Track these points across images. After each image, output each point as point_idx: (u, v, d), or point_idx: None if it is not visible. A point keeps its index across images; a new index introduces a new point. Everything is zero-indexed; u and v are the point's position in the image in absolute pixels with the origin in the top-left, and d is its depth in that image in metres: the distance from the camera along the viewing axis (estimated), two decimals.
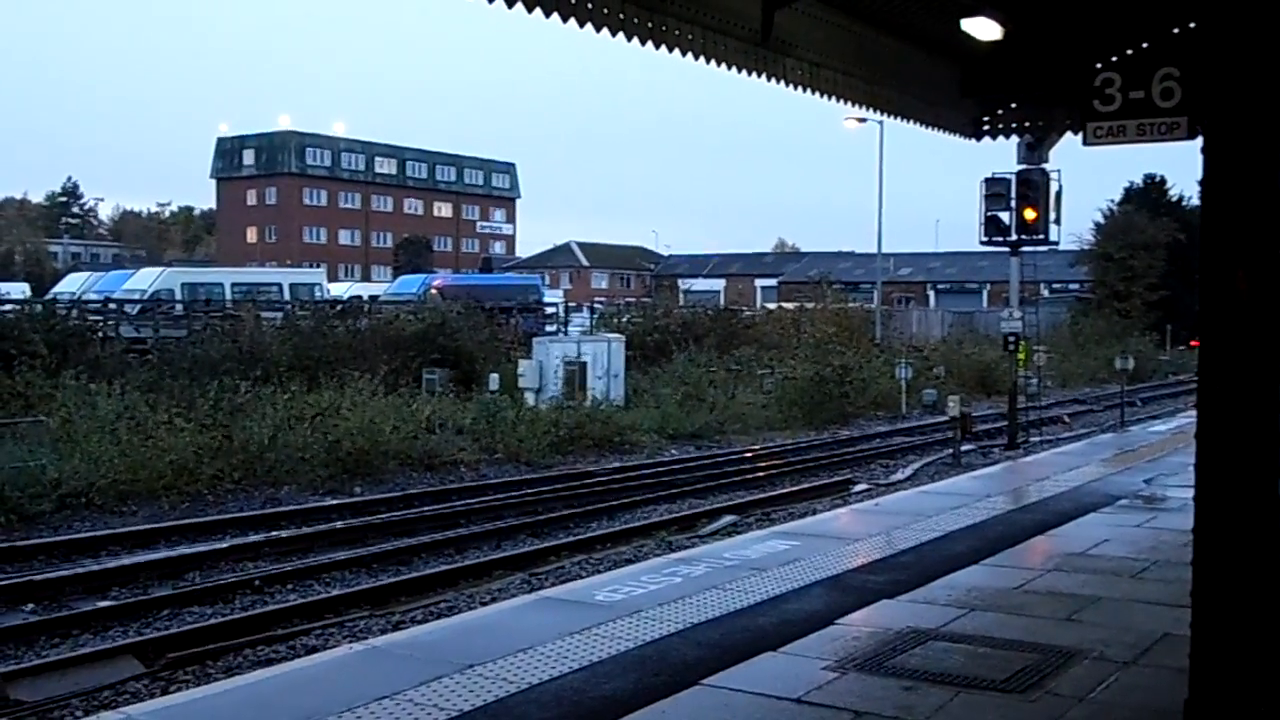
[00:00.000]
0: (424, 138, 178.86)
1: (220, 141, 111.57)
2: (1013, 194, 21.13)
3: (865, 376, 32.01)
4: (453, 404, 24.59)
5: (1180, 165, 68.88)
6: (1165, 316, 55.21)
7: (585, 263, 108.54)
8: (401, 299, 42.55)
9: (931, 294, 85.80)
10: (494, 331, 34.04)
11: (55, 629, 10.51)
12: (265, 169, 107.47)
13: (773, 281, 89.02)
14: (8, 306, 28.37)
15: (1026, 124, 12.89)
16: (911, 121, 12.30)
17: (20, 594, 11.59)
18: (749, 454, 23.00)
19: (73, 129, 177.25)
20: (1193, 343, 33.45)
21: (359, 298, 45.30)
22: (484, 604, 10.39)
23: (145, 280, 41.30)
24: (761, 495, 17.98)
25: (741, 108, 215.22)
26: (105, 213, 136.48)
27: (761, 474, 20.46)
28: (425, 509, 16.54)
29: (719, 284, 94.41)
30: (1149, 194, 64.70)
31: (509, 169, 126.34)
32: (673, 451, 23.48)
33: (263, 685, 6.75)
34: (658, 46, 8.61)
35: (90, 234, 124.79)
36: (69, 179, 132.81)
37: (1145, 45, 9.61)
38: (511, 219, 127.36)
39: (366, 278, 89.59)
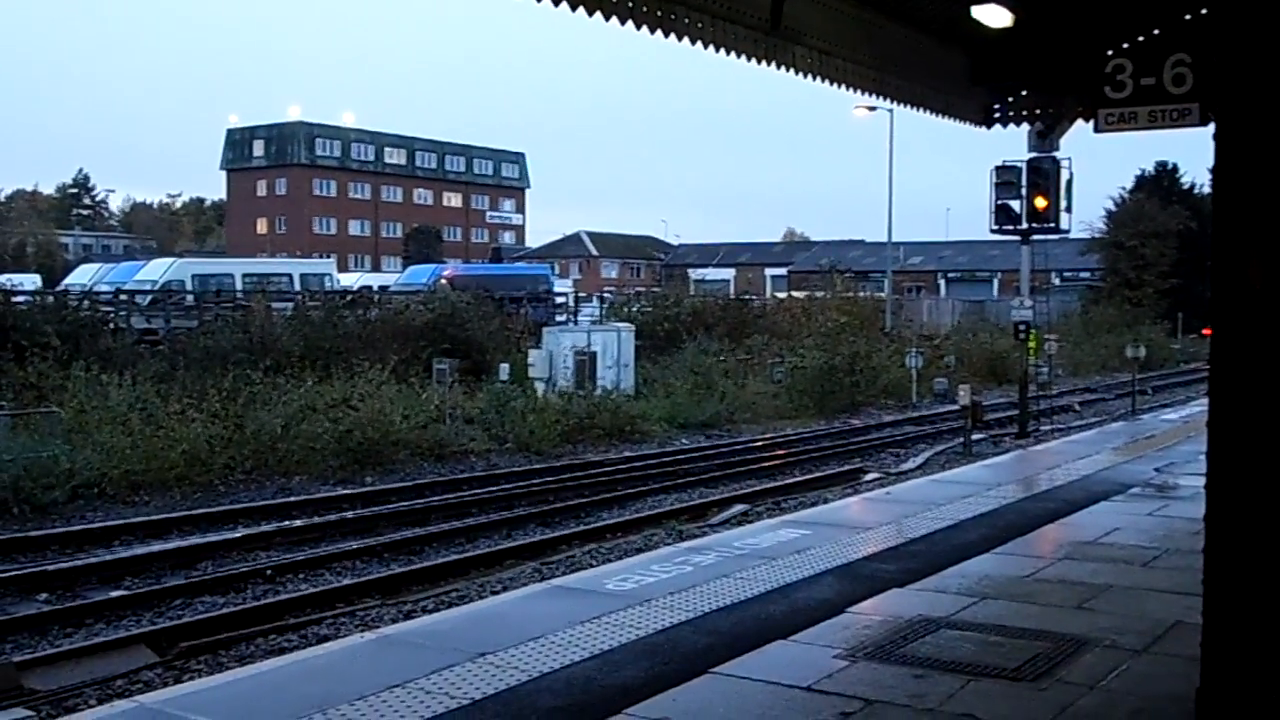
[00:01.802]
0: (433, 128, 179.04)
1: (230, 133, 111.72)
2: (1024, 182, 21.09)
3: (875, 365, 31.98)
4: (463, 394, 24.62)
5: (1193, 152, 68.64)
6: (1177, 305, 55.06)
7: (595, 252, 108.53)
8: (411, 289, 42.56)
9: (942, 283, 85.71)
10: (504, 321, 34.06)
11: (69, 618, 10.56)
12: (275, 160, 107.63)
13: (783, 270, 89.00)
14: (20, 298, 28.40)
15: (1037, 111, 12.84)
16: (921, 109, 12.26)
17: (34, 584, 11.65)
18: (759, 443, 23.00)
19: (83, 121, 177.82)
20: (1204, 331, 33.38)
21: (369, 288, 45.24)
22: (495, 593, 10.40)
23: (156, 271, 41.38)
24: (772, 484, 17.99)
25: (751, 96, 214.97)
26: (116, 204, 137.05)
27: (772, 463, 20.46)
28: (436, 498, 16.58)
29: (729, 273, 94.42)
30: (1161, 181, 64.50)
31: (518, 159, 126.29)
32: (683, 441, 23.49)
33: (275, 674, 6.77)
34: (667, 35, 8.59)
35: (101, 225, 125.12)
36: (80, 171, 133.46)
37: (1157, 32, 9.57)
38: (521, 209, 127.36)
39: (376, 268, 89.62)
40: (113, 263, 54.28)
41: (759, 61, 9.63)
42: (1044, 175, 20.89)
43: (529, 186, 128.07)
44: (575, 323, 40.66)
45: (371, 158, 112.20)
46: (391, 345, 27.55)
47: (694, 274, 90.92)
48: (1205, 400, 5.05)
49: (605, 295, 54.22)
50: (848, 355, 30.43)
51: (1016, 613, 7.67)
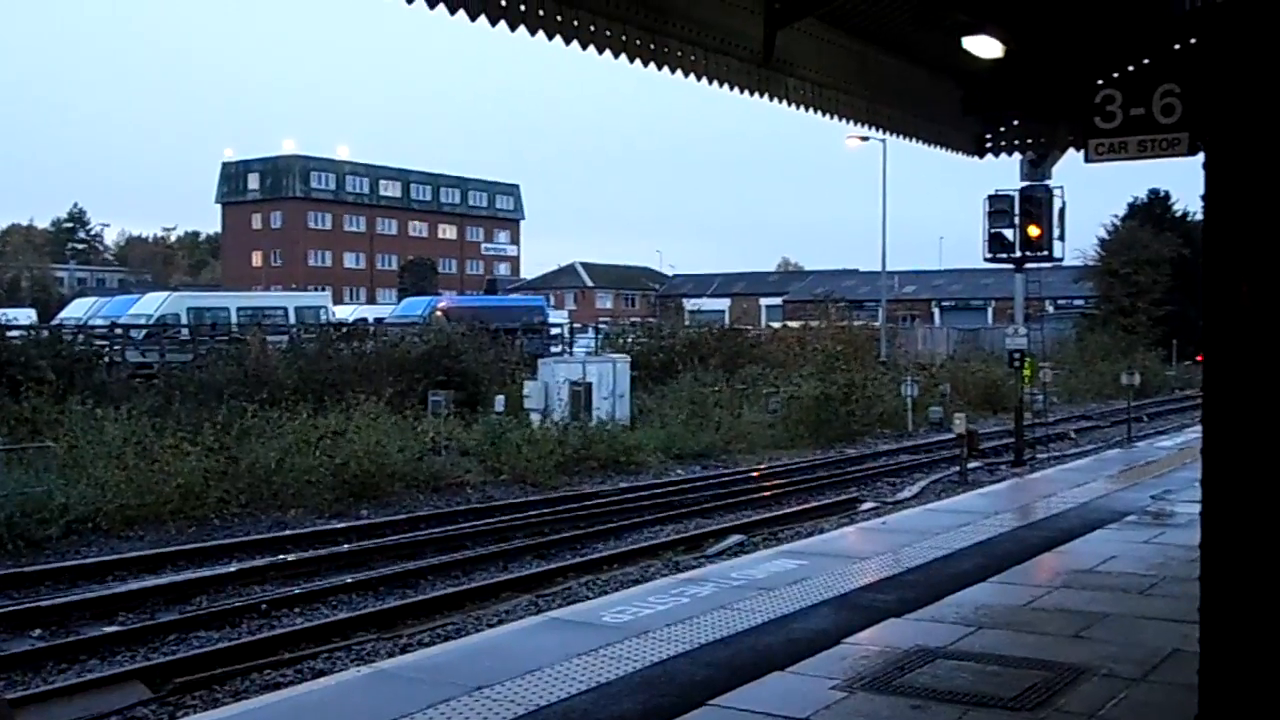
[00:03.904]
0: (428, 160, 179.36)
1: (225, 166, 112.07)
2: (1016, 211, 21.12)
3: (871, 394, 31.98)
4: (458, 426, 24.60)
5: (1185, 180, 68.97)
6: (1171, 331, 55.14)
7: (590, 283, 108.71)
8: (406, 321, 42.61)
9: (936, 311, 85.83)
10: (499, 353, 34.07)
11: (62, 655, 10.50)
12: (270, 193, 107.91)
13: (777, 300, 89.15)
14: (14, 332, 28.42)
15: (1029, 141, 12.92)
16: (914, 139, 12.34)
17: (27, 620, 11.58)
18: (755, 473, 22.97)
19: (79, 155, 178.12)
20: (1199, 357, 33.43)
21: (364, 320, 45.36)
22: (491, 626, 10.37)
23: (151, 305, 41.44)
24: (768, 514, 17.96)
25: (744, 127, 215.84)
26: (111, 238, 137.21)
27: (768, 493, 20.43)
28: (431, 531, 16.54)
29: (724, 303, 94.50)
30: (1153, 209, 64.73)
31: (513, 190, 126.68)
32: (679, 471, 23.46)
33: (270, 709, 6.74)
34: (660, 68, 8.65)
35: (96, 259, 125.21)
36: (75, 205, 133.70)
37: (1146, 62, 9.65)
38: (516, 240, 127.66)
39: (372, 300, 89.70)
40: (108, 296, 54.31)
41: (752, 93, 9.69)
42: (1037, 204, 20.94)
43: (524, 218, 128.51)
44: (570, 354, 40.71)
45: (366, 190, 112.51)
46: (387, 377, 27.53)
47: (689, 304, 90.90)
48: (1199, 427, 5.06)
49: (600, 326, 54.28)
50: (843, 385, 30.43)
51: (1014, 642, 7.66)
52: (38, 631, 11.40)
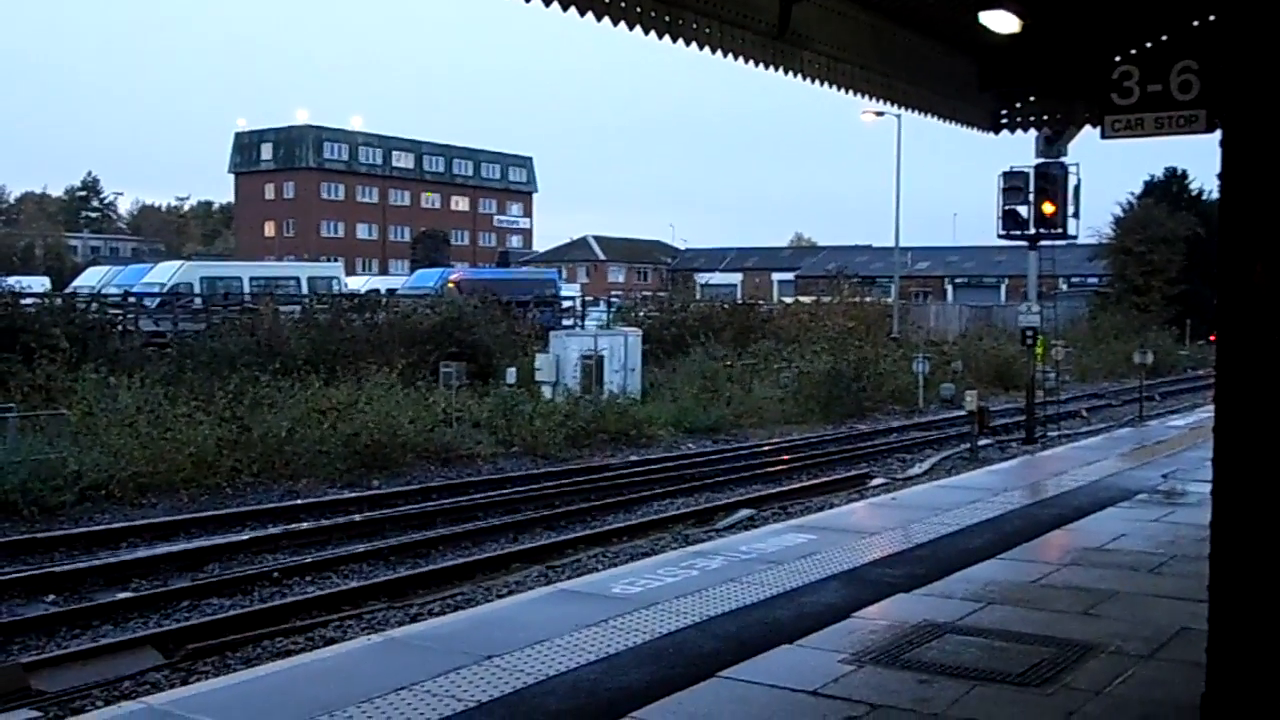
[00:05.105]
0: (441, 132, 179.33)
1: (238, 136, 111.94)
2: (1031, 188, 21.02)
3: (882, 370, 31.97)
4: (470, 397, 24.65)
5: (1201, 158, 68.49)
6: (1185, 311, 54.93)
7: (602, 256, 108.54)
8: (419, 293, 42.61)
9: (949, 288, 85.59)
10: (511, 325, 34.08)
11: (76, 620, 10.60)
12: (283, 163, 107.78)
13: (790, 275, 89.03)
14: (29, 300, 28.50)
15: (1045, 117, 12.86)
16: (929, 115, 12.29)
17: (41, 585, 11.69)
18: (765, 448, 23.00)
19: (92, 124, 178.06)
20: (1212, 337, 33.31)
21: (376, 291, 45.30)
22: (501, 596, 10.41)
23: (164, 274, 41.53)
24: (778, 489, 17.99)
25: (759, 101, 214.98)
26: (124, 207, 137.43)
27: (778, 468, 20.47)
28: (442, 502, 16.61)
29: (736, 278, 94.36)
30: (1169, 187, 64.33)
31: (526, 163, 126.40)
32: (689, 445, 23.50)
33: (281, 676, 6.78)
34: (675, 40, 8.62)
35: (110, 228, 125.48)
36: (89, 173, 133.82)
37: (1164, 38, 9.58)
38: (528, 213, 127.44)
39: (384, 271, 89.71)
40: (121, 265, 54.48)
41: (767, 67, 9.66)
42: (1052, 181, 20.83)
43: (536, 190, 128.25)
44: (582, 327, 40.71)
45: (379, 161, 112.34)
46: (398, 349, 27.59)
47: (701, 278, 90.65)
48: (1212, 406, 5.05)
49: (612, 299, 54.26)
50: (854, 360, 30.41)
51: (1022, 618, 7.68)
52: (51, 597, 11.50)
